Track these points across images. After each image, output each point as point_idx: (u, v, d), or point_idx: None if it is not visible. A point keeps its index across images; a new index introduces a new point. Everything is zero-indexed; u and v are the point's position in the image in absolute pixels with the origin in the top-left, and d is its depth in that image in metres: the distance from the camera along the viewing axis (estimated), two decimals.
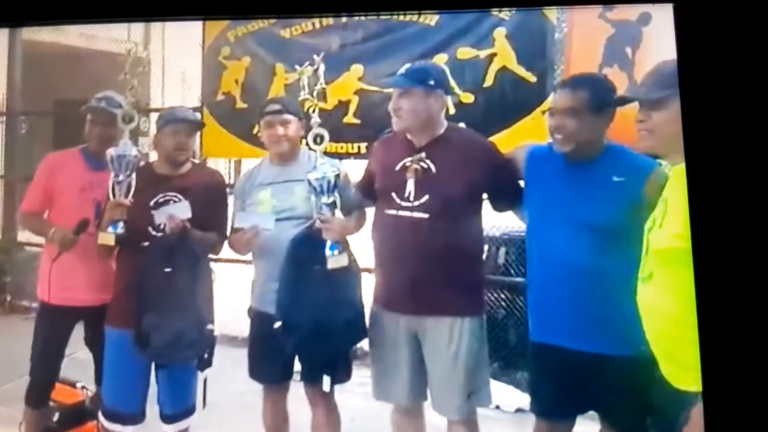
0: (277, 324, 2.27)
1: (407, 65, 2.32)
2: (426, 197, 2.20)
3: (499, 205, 2.34)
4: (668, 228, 1.74)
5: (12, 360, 2.64)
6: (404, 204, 2.22)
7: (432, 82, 2.24)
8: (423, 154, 2.24)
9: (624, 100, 1.99)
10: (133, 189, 2.38)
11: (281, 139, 2.42)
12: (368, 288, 2.39)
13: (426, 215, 2.19)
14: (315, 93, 2.39)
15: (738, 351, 1.77)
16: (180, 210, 2.36)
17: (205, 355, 2.37)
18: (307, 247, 2.29)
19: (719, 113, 1.85)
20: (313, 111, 2.37)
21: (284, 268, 2.29)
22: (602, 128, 2.05)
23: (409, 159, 2.25)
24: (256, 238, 2.35)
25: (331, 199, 2.29)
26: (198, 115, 2.54)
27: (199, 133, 2.56)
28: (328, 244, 2.27)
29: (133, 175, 2.38)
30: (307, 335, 2.24)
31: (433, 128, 2.27)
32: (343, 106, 3.73)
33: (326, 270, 2.25)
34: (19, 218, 2.81)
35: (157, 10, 2.25)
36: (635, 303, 1.83)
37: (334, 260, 2.26)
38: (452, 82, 3.44)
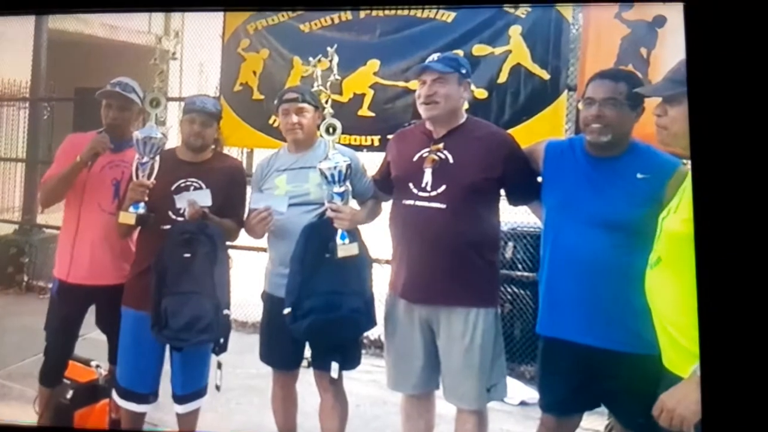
0: (287, 310, 2.23)
1: (437, 54, 2.26)
2: (443, 187, 2.14)
3: (515, 199, 2.28)
4: (681, 213, 1.72)
5: (28, 338, 2.63)
6: (421, 194, 2.17)
7: (464, 71, 2.21)
8: (441, 145, 2.19)
9: (641, 95, 1.96)
10: (155, 171, 2.34)
11: (296, 127, 2.38)
12: (380, 278, 2.36)
13: (443, 205, 2.14)
14: (328, 84, 2.36)
15: (737, 338, 1.77)
16: (201, 197, 2.33)
17: (221, 340, 2.32)
18: (319, 235, 2.25)
19: (726, 110, 1.83)
20: (326, 102, 2.34)
21: (295, 255, 2.25)
22: (633, 124, 2.00)
23: (427, 150, 2.20)
24: (269, 219, 2.31)
25: (342, 189, 2.24)
26: (217, 107, 2.50)
27: (217, 124, 2.49)
28: (339, 233, 2.23)
29: (157, 158, 2.35)
30: (315, 322, 2.20)
31: (455, 119, 2.22)
32: (358, 99, 3.71)
33: (336, 258, 2.21)
34: (41, 187, 2.67)
35: (179, 0, 2.24)
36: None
37: (344, 249, 2.22)
38: None
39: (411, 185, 2.20)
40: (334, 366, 2.27)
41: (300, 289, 2.23)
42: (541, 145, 2.19)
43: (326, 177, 2.24)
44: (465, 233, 2.14)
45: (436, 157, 2.18)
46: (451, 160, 2.17)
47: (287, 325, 2.24)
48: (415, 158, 2.21)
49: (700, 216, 1.72)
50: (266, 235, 2.41)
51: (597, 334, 1.94)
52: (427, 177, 2.17)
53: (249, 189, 2.52)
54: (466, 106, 2.28)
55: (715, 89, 1.84)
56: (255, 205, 2.37)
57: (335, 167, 2.23)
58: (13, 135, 5.11)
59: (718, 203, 1.79)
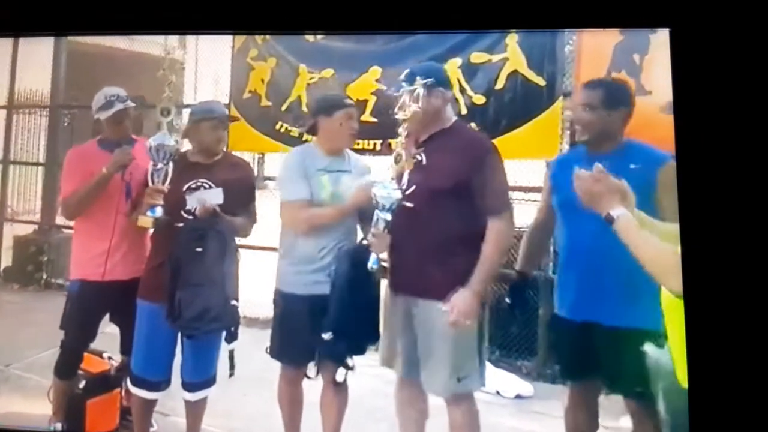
0: (327, 335, 2.27)
1: (407, 70, 2.33)
2: (413, 188, 2.23)
3: (486, 202, 2.22)
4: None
5: (46, 332, 2.70)
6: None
7: (431, 81, 2.26)
8: (422, 148, 2.28)
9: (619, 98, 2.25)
10: (169, 176, 2.42)
11: (355, 132, 2.47)
12: None
13: (411, 204, 2.22)
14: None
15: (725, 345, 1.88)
16: (212, 195, 2.42)
17: (232, 329, 2.42)
18: (358, 264, 2.28)
19: (712, 138, 1.97)
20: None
21: (336, 284, 2.30)
22: (617, 124, 2.21)
23: (409, 153, 2.29)
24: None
25: (389, 217, 2.25)
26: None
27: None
28: (372, 258, 2.26)
29: (170, 164, 2.43)
30: (351, 346, 2.32)
31: (436, 124, 2.29)
32: (361, 105, 3.76)
33: (372, 283, 2.28)
34: (65, 203, 2.65)
35: (189, 24, 2.33)
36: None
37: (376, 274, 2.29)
38: (464, 84, 3.50)
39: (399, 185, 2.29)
40: (341, 371, 2.35)
41: (342, 316, 2.27)
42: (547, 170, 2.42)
43: (378, 203, 2.25)
44: (430, 232, 2.21)
45: (413, 159, 2.27)
46: (424, 162, 2.26)
47: (305, 331, 2.33)
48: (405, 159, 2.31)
49: (687, 233, 1.89)
50: (281, 233, 2.48)
51: (597, 311, 2.14)
52: (405, 177, 2.26)
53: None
54: (464, 111, 2.34)
55: (701, 114, 1.98)
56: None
57: (389, 196, 2.23)
58: (34, 141, 5.25)
59: (704, 223, 1.94)
